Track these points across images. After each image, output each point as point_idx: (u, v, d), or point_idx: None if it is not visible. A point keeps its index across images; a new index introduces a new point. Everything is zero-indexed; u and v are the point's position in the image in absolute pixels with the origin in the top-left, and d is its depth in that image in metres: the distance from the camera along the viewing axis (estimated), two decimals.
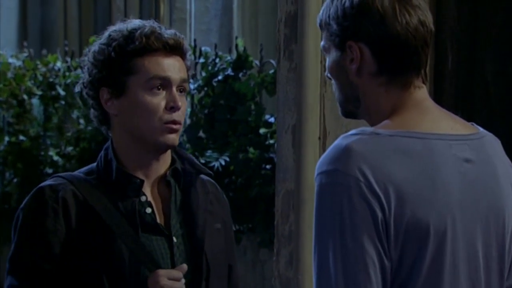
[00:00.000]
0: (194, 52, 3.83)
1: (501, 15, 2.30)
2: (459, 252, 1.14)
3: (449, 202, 1.13)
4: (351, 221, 1.09)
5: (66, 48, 4.39)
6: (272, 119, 3.58)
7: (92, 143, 3.85)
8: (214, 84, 3.71)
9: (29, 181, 3.95)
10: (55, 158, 3.95)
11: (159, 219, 1.39)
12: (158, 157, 1.40)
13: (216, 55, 3.79)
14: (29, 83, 4.08)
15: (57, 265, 1.33)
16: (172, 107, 1.37)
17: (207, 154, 3.59)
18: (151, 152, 1.39)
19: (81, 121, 3.91)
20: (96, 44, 1.41)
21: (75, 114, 3.95)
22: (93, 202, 1.35)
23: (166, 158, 1.41)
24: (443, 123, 1.17)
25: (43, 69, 4.10)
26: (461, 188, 1.15)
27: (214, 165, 3.52)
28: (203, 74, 3.77)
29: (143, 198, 1.38)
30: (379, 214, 1.09)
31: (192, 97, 3.79)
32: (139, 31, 1.38)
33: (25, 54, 4.38)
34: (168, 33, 1.39)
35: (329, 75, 1.22)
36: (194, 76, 3.84)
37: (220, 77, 3.70)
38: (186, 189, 1.42)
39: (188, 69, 1.42)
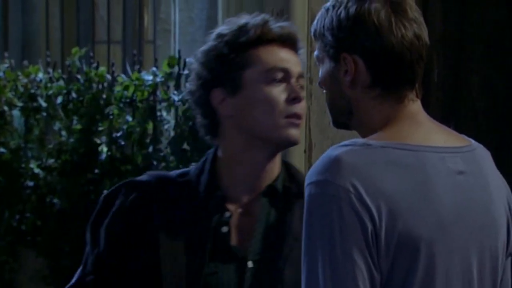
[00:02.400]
0: (178, 64, 3.81)
1: (486, 28, 2.30)
2: (453, 265, 1.12)
3: (442, 214, 1.12)
4: (341, 233, 1.08)
5: (48, 59, 4.34)
6: None
7: (74, 155, 3.81)
8: None
9: (9, 194, 3.89)
10: (36, 170, 3.90)
11: (237, 240, 1.28)
12: (272, 159, 1.28)
13: None
14: (9, 94, 4.02)
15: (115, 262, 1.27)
16: (294, 99, 1.28)
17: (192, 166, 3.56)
18: (268, 153, 1.28)
19: (63, 133, 3.86)
20: (205, 45, 1.32)
21: (56, 126, 3.90)
22: (170, 208, 1.26)
23: (274, 169, 1.30)
24: (436, 135, 1.16)
25: (24, 80, 4.05)
26: (454, 201, 1.14)
27: None
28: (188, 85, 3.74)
29: (226, 214, 1.29)
30: (369, 226, 1.08)
31: (176, 109, 3.76)
32: (251, 23, 1.30)
33: (6, 65, 4.33)
34: (282, 24, 1.32)
35: (321, 85, 1.21)
36: (178, 88, 3.81)
37: None
38: (283, 211, 1.30)
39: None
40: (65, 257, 3.83)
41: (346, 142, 1.13)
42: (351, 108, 1.16)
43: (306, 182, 1.11)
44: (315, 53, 1.20)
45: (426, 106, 1.21)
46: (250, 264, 1.26)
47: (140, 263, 1.25)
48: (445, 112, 2.27)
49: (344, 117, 1.18)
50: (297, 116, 1.28)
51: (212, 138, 1.32)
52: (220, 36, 1.30)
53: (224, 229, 1.28)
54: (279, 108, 1.27)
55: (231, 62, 1.28)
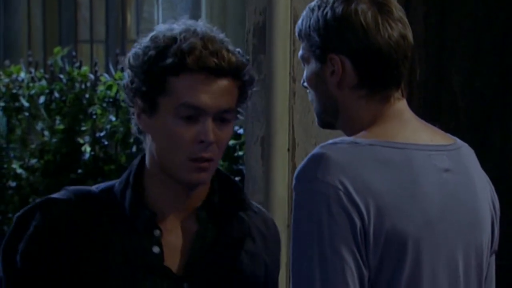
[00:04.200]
0: None
1: (468, 28, 2.33)
2: (439, 262, 1.13)
3: (429, 212, 1.13)
4: (330, 230, 1.08)
5: (30, 59, 4.32)
6: (240, 131, 3.56)
7: (57, 155, 3.79)
8: None
9: None
10: (19, 170, 3.87)
11: (171, 259, 1.16)
12: (187, 191, 1.17)
13: None
14: None
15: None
16: (201, 141, 1.13)
17: None
18: (178, 187, 1.17)
19: (46, 133, 3.84)
20: (138, 43, 1.17)
21: (39, 125, 3.88)
22: (92, 230, 1.14)
23: (202, 188, 1.18)
24: (423, 134, 1.18)
25: (6, 80, 4.02)
26: (441, 199, 1.15)
27: None
28: None
29: (156, 233, 1.16)
30: (358, 223, 1.09)
31: None
32: (176, 45, 1.13)
33: None
34: (214, 49, 1.13)
35: (305, 85, 1.22)
36: None
37: None
38: (222, 225, 1.18)
39: (240, 93, 1.16)
40: None
41: (333, 140, 1.13)
42: (338, 108, 1.17)
43: (295, 180, 1.12)
44: (300, 53, 1.19)
45: (409, 105, 1.23)
46: (186, 286, 1.16)
47: None
48: (426, 111, 2.29)
49: (330, 116, 1.18)
50: (203, 159, 1.13)
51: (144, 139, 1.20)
52: (148, 45, 1.15)
53: (156, 249, 1.15)
54: (183, 149, 1.13)
55: (149, 82, 1.14)
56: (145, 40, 1.17)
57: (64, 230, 1.15)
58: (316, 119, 1.21)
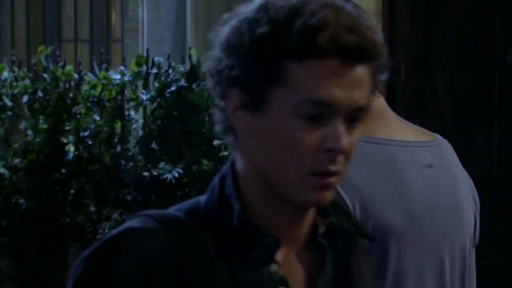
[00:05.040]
0: (146, 63, 3.79)
1: (453, 29, 2.35)
2: (425, 258, 1.14)
3: (414, 208, 1.14)
4: None
5: (14, 58, 4.28)
6: None
7: (41, 155, 3.76)
8: (167, 95, 3.67)
9: None
10: (2, 170, 3.84)
11: None
12: (299, 213, 0.88)
13: (169, 66, 3.75)
14: None
15: None
16: (330, 150, 0.82)
17: (160, 166, 3.55)
18: (288, 207, 0.87)
19: (29, 132, 3.81)
20: (237, 15, 0.84)
21: (22, 125, 3.85)
22: (195, 269, 0.82)
23: (313, 210, 0.89)
24: (405, 132, 1.20)
25: None
26: (425, 194, 1.17)
27: (167, 177, 3.48)
28: (156, 84, 3.74)
29: (273, 268, 0.86)
30: None
31: (145, 108, 3.74)
32: (300, 20, 0.80)
33: None
34: (352, 23, 0.81)
35: None
36: (146, 87, 3.79)
37: (173, 88, 3.66)
38: (342, 257, 0.89)
39: (375, 81, 0.85)
40: (31, 257, 3.78)
41: None
42: None
43: None
44: None
45: (393, 105, 1.24)
46: None
47: None
48: (411, 111, 2.31)
49: None
50: (330, 173, 0.83)
51: (232, 142, 0.89)
52: (255, 21, 0.82)
53: None
54: (304, 159, 0.83)
55: (258, 69, 0.83)
56: (247, 10, 0.83)
57: (160, 271, 0.82)
58: None
